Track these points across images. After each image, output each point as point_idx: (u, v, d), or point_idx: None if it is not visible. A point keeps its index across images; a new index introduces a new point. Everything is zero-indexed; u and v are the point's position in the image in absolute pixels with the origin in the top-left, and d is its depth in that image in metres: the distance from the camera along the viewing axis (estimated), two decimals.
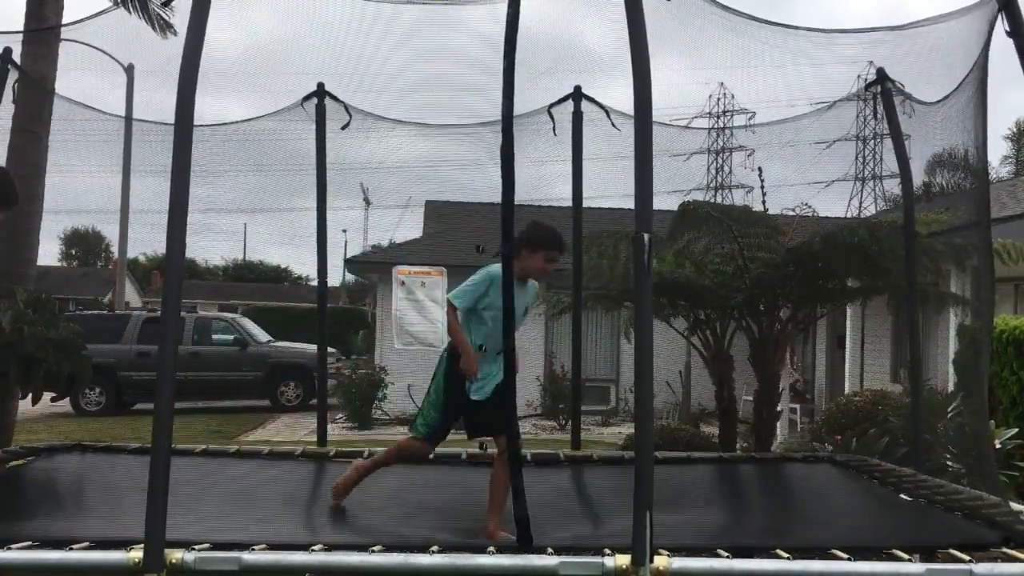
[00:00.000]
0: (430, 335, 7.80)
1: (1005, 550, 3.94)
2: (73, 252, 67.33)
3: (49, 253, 60.54)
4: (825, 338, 16.39)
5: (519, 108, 6.24)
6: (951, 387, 9.71)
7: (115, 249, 26.99)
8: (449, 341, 4.92)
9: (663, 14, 4.33)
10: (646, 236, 3.53)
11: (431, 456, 5.36)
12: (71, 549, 3.75)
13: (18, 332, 6.36)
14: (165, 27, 9.85)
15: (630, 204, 3.66)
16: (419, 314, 7.79)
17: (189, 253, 3.99)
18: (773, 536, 4.47)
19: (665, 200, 8.62)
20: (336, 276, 37.44)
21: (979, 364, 5.49)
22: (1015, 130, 42.75)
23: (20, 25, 7.52)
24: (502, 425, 4.43)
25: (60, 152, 8.03)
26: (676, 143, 7.66)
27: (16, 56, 6.64)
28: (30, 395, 6.74)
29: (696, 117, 24.74)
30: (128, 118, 8.83)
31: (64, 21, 7.96)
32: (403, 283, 7.82)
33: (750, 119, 14.81)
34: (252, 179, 8.18)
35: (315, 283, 9.93)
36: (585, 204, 7.38)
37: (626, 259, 8.30)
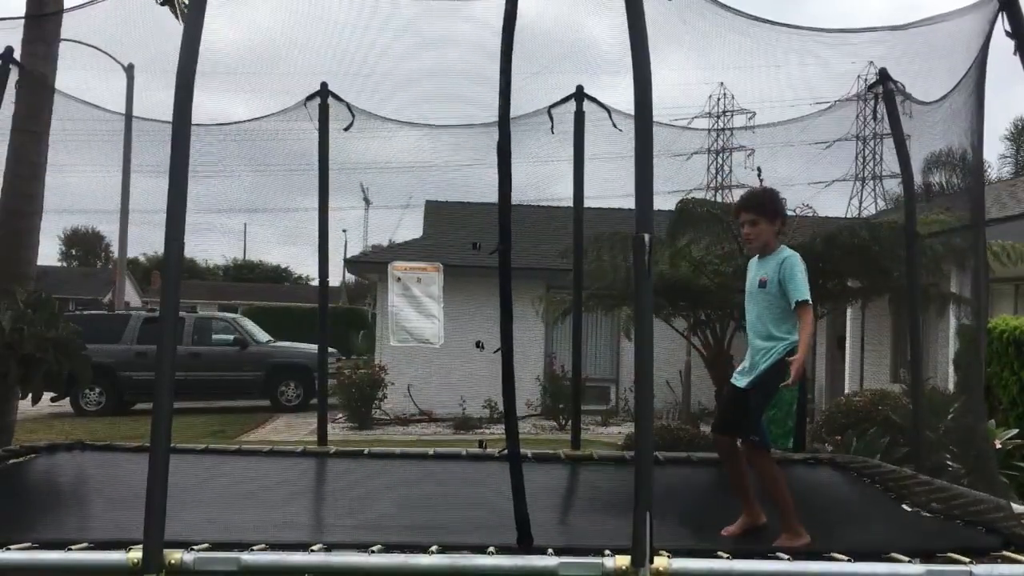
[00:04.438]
0: (426, 331, 7.73)
1: (1005, 553, 3.94)
2: (73, 252, 67.28)
3: (49, 253, 60.49)
4: (825, 338, 16.38)
5: (523, 106, 6.22)
6: (951, 387, 9.69)
7: (115, 249, 26.98)
8: (790, 344, 4.45)
9: (664, 14, 4.33)
10: (646, 236, 3.53)
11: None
12: (70, 549, 3.75)
13: (18, 332, 6.36)
14: None
15: (631, 204, 3.65)
16: (415, 310, 7.72)
17: (189, 253, 3.98)
18: (773, 538, 4.46)
19: (666, 200, 8.62)
20: (336, 276, 37.45)
21: (978, 364, 5.49)
22: (1013, 130, 42.64)
23: (21, 27, 7.49)
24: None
25: (60, 151, 8.02)
26: (676, 143, 7.66)
27: (16, 57, 6.64)
28: (30, 395, 6.74)
29: (696, 117, 24.64)
30: (128, 116, 8.83)
31: (64, 21, 7.93)
32: (399, 279, 7.75)
33: (750, 119, 14.78)
34: (252, 179, 8.17)
35: (315, 283, 9.93)
36: (586, 204, 7.38)
37: (625, 260, 8.29)
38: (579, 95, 7.17)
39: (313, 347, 14.17)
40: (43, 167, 7.89)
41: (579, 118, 7.14)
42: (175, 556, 3.49)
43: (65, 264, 63.42)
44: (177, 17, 9.42)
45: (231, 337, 18.39)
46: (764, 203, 4.68)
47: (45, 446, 6.85)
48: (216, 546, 3.75)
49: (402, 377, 15.84)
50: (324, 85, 7.17)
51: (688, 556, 3.64)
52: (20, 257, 7.79)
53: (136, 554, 3.48)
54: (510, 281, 4.12)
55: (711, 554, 3.77)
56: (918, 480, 5.51)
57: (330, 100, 7.20)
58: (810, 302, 4.43)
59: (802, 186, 9.50)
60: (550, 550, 3.75)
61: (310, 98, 7.17)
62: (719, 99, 31.85)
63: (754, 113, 14.47)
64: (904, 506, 5.19)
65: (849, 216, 27.12)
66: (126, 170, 11.29)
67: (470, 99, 6.97)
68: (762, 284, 4.59)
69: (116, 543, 3.71)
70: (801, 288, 4.42)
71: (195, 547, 3.66)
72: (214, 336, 18.37)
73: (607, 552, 3.57)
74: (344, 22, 5.96)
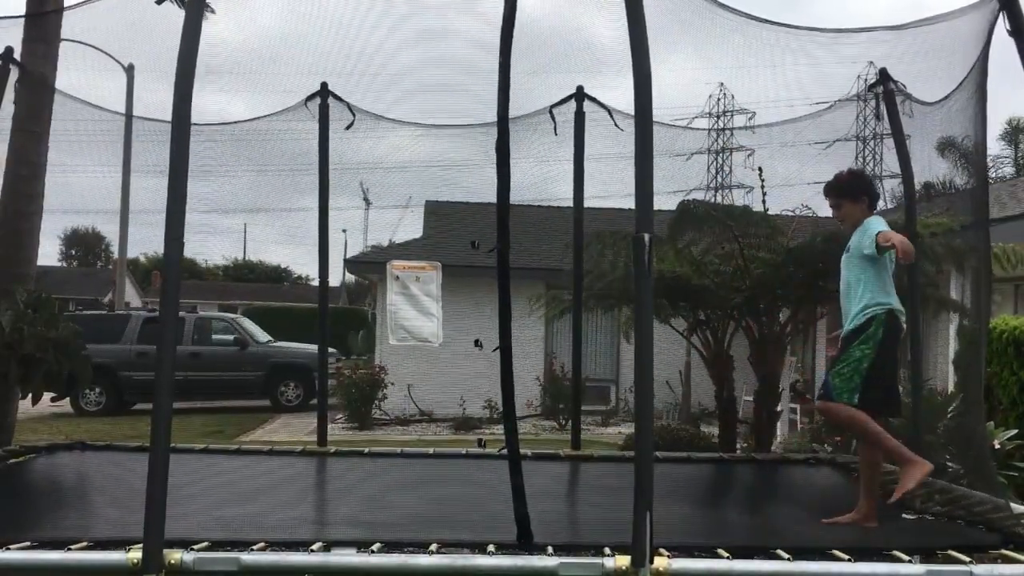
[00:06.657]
0: (425, 330, 7.75)
1: (1004, 552, 3.94)
2: (73, 252, 67.24)
3: (49, 253, 60.44)
4: (825, 338, 16.37)
5: (524, 105, 6.21)
6: (951, 387, 9.69)
7: (115, 249, 26.98)
8: (870, 313, 4.60)
9: (666, 14, 4.33)
10: (646, 236, 3.53)
11: None
12: (70, 549, 3.75)
13: (18, 332, 6.36)
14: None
15: (631, 204, 3.65)
16: (414, 309, 7.74)
17: (189, 253, 3.99)
18: (773, 537, 4.47)
19: (666, 200, 8.62)
20: (336, 276, 37.40)
21: (978, 365, 5.49)
22: (1008, 128, 42.49)
23: (21, 28, 7.47)
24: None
25: (61, 151, 8.02)
26: (677, 143, 7.67)
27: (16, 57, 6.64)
28: (30, 395, 6.74)
29: (696, 117, 24.65)
30: (128, 116, 8.83)
31: (64, 21, 7.92)
32: (397, 278, 7.77)
33: (750, 119, 14.79)
34: (252, 178, 8.17)
35: (315, 283, 9.94)
36: (586, 204, 7.38)
37: (626, 259, 8.28)
38: (579, 95, 7.17)
39: (313, 347, 14.17)
40: (43, 167, 7.89)
41: (579, 118, 7.15)
42: (175, 556, 3.49)
43: (65, 264, 63.39)
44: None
45: (231, 337, 18.38)
46: (844, 187, 4.97)
47: (45, 446, 6.85)
48: (216, 546, 3.76)
49: (402, 377, 15.83)
50: (324, 85, 7.17)
51: (688, 556, 3.64)
52: (20, 257, 7.79)
53: (136, 554, 3.48)
54: (508, 280, 4.13)
55: (711, 553, 3.77)
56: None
57: (330, 100, 7.20)
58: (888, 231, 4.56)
59: (802, 186, 9.51)
60: (550, 549, 3.75)
61: (310, 98, 7.17)
62: (719, 99, 31.89)
63: (754, 113, 14.49)
64: (905, 515, 5.17)
65: None
66: (126, 170, 11.28)
67: (470, 98, 6.97)
68: (847, 250, 4.86)
69: (116, 543, 3.72)
70: (880, 228, 4.57)
71: (195, 547, 3.67)
72: (214, 336, 18.36)
73: (607, 551, 3.57)
74: (347, 22, 5.97)
